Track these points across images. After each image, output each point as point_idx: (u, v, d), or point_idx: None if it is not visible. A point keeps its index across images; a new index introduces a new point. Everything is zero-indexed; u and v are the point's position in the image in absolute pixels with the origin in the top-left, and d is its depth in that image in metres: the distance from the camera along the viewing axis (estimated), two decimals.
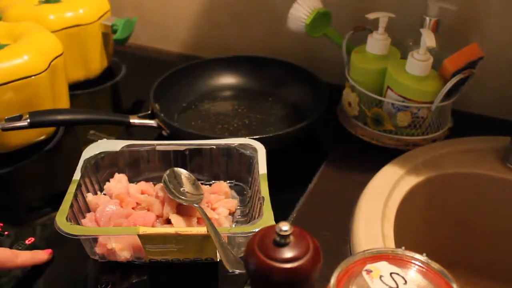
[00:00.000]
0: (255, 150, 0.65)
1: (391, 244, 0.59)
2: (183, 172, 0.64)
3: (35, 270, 0.58)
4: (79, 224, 0.58)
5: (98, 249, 0.57)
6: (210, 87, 0.92)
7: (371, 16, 0.75)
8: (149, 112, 0.79)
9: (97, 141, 0.67)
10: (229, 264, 0.50)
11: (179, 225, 0.58)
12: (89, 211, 0.61)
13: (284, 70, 0.91)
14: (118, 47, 1.01)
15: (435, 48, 0.69)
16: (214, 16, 1.03)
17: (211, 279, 0.58)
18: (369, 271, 0.40)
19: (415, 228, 0.72)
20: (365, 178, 0.69)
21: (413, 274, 0.40)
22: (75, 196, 0.59)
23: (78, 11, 0.89)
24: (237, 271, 0.50)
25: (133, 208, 0.61)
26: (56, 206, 0.56)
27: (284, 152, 0.74)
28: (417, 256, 0.42)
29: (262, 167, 0.62)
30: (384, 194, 0.65)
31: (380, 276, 0.39)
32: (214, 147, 0.67)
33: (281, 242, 0.39)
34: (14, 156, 0.76)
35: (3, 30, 0.79)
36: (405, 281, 0.39)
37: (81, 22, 0.89)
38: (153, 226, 0.58)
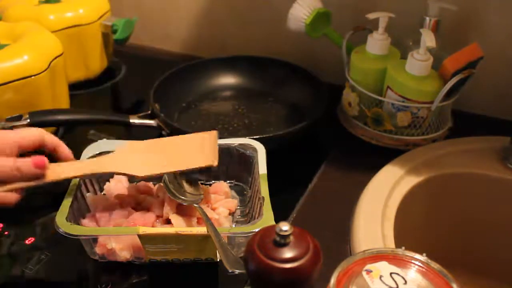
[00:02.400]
0: (255, 150, 0.65)
1: (391, 244, 0.59)
2: None
3: (35, 270, 0.58)
4: (79, 224, 0.58)
5: (98, 249, 0.57)
6: (210, 87, 0.92)
7: (371, 16, 0.75)
8: (149, 112, 0.79)
9: (97, 141, 0.67)
10: (229, 264, 0.50)
11: (179, 225, 0.58)
12: (89, 211, 0.61)
13: (284, 70, 0.91)
14: (118, 47, 1.01)
15: (435, 48, 0.69)
16: (214, 16, 1.03)
17: (211, 279, 0.58)
18: (369, 271, 0.40)
19: (415, 228, 0.72)
20: (365, 178, 0.69)
21: (413, 274, 0.40)
22: (75, 196, 0.59)
23: (78, 11, 0.89)
24: (237, 271, 0.50)
25: (133, 208, 0.61)
26: (56, 206, 0.56)
27: (284, 152, 0.74)
28: (417, 256, 0.42)
29: (262, 167, 0.62)
30: (384, 194, 0.65)
31: (380, 276, 0.39)
32: None
33: (281, 242, 0.39)
34: None
35: (3, 30, 0.79)
36: (405, 281, 0.39)
37: (81, 22, 0.89)
38: (153, 226, 0.58)
